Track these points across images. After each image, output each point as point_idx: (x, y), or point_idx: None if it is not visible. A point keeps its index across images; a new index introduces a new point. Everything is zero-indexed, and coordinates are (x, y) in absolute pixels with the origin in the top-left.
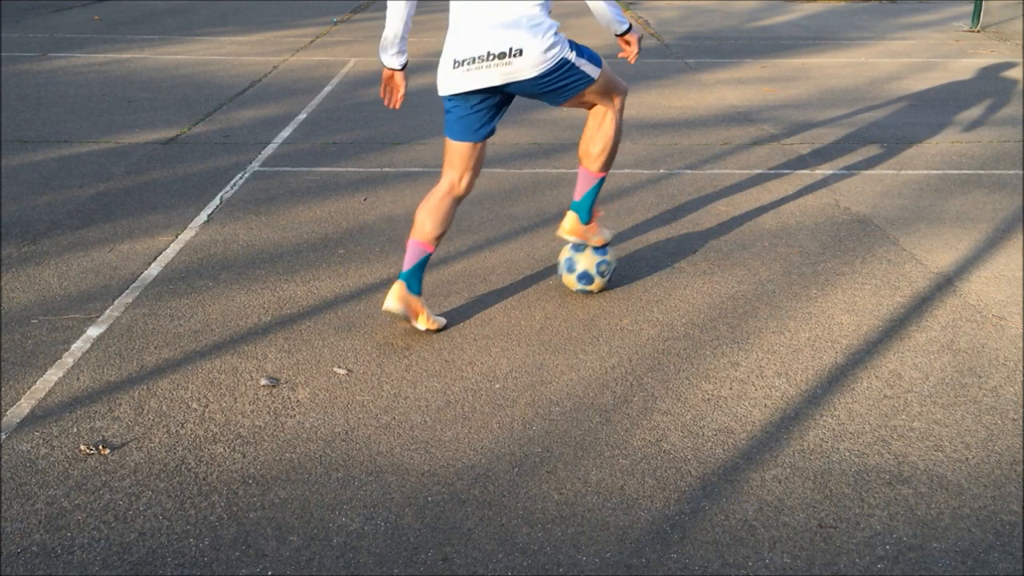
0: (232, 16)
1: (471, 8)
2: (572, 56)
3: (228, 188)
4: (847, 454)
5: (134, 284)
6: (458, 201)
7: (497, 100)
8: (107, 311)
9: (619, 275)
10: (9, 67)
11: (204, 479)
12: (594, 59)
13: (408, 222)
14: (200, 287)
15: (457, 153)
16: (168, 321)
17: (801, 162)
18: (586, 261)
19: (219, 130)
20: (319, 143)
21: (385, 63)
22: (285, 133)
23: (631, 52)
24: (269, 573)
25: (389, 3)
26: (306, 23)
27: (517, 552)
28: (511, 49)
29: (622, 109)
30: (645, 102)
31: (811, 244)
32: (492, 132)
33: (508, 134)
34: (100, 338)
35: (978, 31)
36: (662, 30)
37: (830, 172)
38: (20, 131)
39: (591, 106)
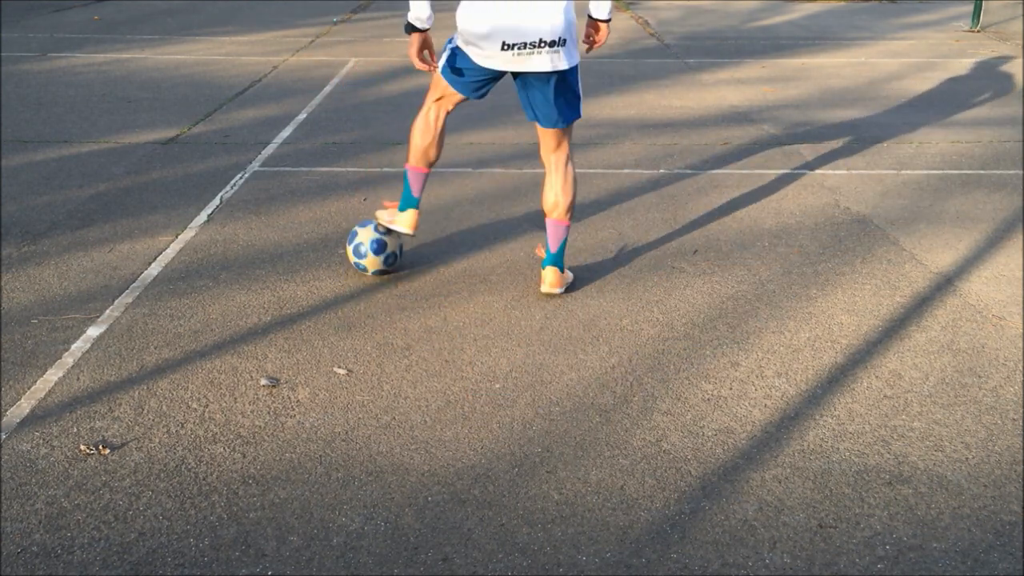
0: (232, 16)
1: None
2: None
3: (228, 188)
4: (847, 454)
5: (134, 284)
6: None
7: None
8: (107, 311)
9: (619, 275)
10: (9, 67)
11: (204, 479)
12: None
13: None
14: (200, 287)
15: (450, 93)
16: (168, 321)
17: (801, 162)
18: (364, 236)
19: (219, 130)
20: (319, 143)
21: (421, 26)
22: (285, 133)
23: (598, 40)
24: (269, 573)
25: None
26: (306, 23)
27: (517, 552)
28: (560, 38)
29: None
30: (645, 102)
31: (811, 244)
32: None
33: (508, 134)
34: (100, 338)
35: (978, 31)
36: (662, 30)
37: (830, 172)
38: (20, 131)
39: (554, 149)
